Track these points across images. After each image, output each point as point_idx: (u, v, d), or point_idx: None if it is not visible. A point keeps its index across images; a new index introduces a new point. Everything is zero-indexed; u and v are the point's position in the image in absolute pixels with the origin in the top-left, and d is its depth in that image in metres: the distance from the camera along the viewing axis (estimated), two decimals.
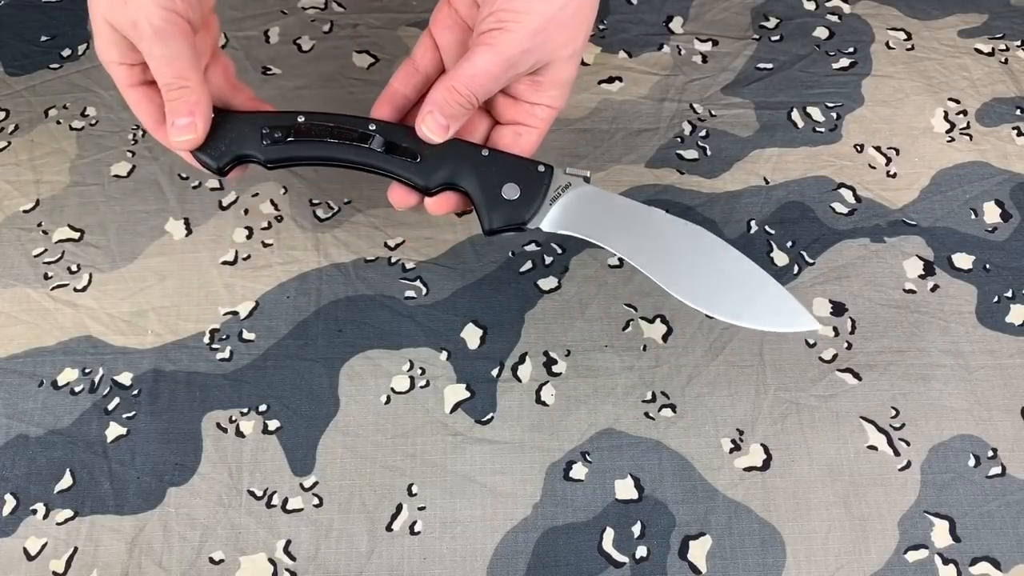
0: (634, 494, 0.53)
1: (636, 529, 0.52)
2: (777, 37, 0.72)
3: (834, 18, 0.73)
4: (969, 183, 0.64)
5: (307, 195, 0.64)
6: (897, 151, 0.66)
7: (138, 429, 0.55)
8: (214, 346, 0.58)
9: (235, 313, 0.59)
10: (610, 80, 0.70)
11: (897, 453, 0.54)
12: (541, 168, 0.50)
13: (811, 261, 0.61)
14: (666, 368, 0.57)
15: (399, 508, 0.53)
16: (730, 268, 0.49)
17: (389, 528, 0.52)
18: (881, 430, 0.55)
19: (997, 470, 0.54)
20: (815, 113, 0.68)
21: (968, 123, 0.67)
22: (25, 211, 0.63)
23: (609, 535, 0.52)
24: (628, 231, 0.50)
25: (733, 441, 0.55)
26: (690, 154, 0.66)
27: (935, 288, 0.60)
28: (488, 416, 0.56)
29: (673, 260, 0.49)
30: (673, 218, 0.50)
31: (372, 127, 0.51)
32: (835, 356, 0.57)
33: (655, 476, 0.54)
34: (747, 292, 0.49)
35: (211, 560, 0.51)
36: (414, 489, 0.53)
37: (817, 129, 0.67)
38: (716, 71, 0.70)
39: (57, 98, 0.69)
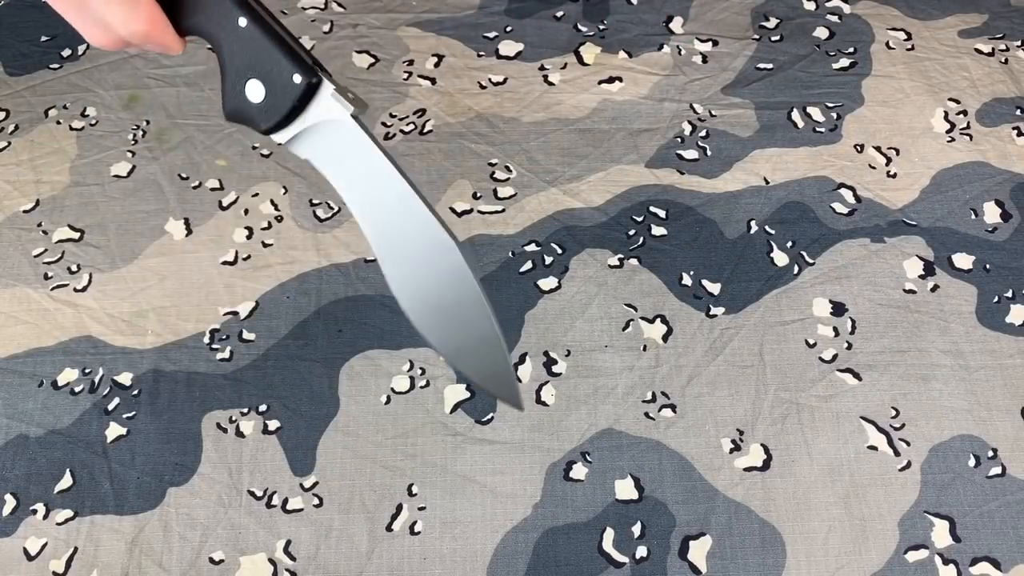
0: (634, 494, 0.53)
1: (636, 529, 0.52)
2: (777, 37, 0.72)
3: (834, 18, 0.73)
4: (969, 183, 0.64)
5: (307, 195, 0.64)
6: (897, 151, 0.66)
7: (138, 429, 0.55)
8: (214, 346, 0.58)
9: (235, 313, 0.59)
10: (610, 80, 0.70)
11: (897, 453, 0.54)
12: (298, 79, 0.39)
13: (811, 261, 0.61)
14: (666, 368, 0.57)
15: (399, 508, 0.53)
16: (465, 311, 0.43)
17: (389, 528, 0.52)
18: (881, 430, 0.55)
19: (997, 470, 0.54)
20: (815, 113, 0.68)
21: (968, 123, 0.67)
22: (25, 211, 0.63)
23: (609, 535, 0.52)
24: (375, 206, 0.42)
25: (733, 441, 0.55)
26: (690, 154, 0.66)
27: (935, 288, 0.60)
28: (488, 416, 0.56)
29: (407, 264, 0.42)
30: (430, 224, 0.42)
31: None
32: (835, 356, 0.57)
33: (655, 476, 0.53)
34: (471, 342, 0.43)
35: (211, 560, 0.51)
36: (414, 489, 0.53)
37: (817, 129, 0.67)
38: (716, 71, 0.70)
39: (57, 98, 0.69)
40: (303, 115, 0.40)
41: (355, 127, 0.41)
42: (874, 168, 0.65)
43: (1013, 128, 0.67)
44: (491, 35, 0.72)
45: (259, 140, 0.66)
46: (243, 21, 0.39)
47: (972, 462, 0.54)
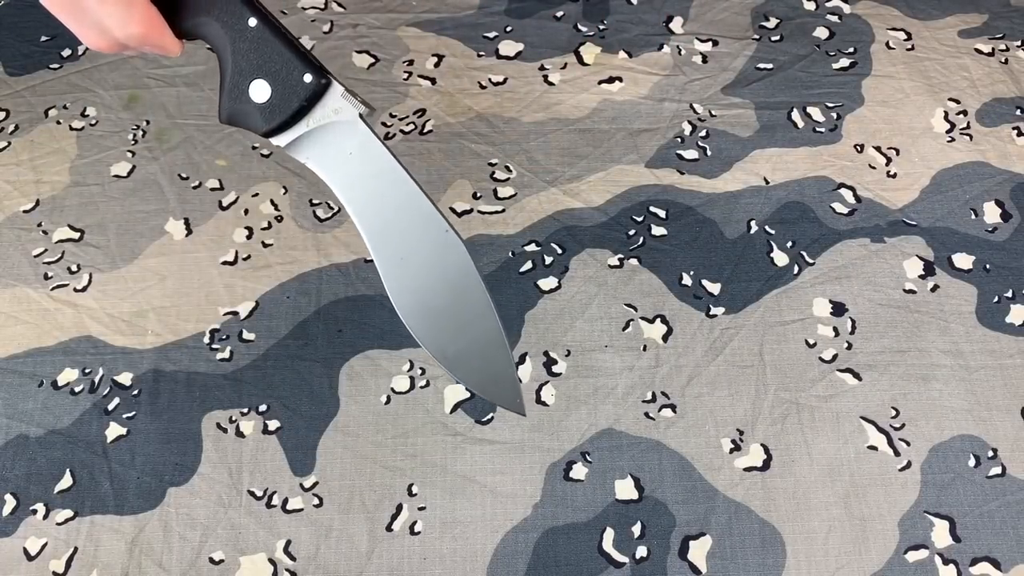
0: (634, 494, 0.53)
1: (636, 529, 0.52)
2: (777, 37, 0.72)
3: (834, 18, 0.73)
4: (969, 183, 0.64)
5: (307, 195, 0.64)
6: (897, 151, 0.66)
7: (138, 429, 0.55)
8: (214, 346, 0.58)
9: (235, 313, 0.59)
10: (610, 80, 0.70)
11: (897, 453, 0.54)
12: (308, 78, 0.39)
13: (811, 261, 0.61)
14: (666, 368, 0.57)
15: (399, 508, 0.53)
16: (470, 313, 0.43)
17: (389, 528, 0.52)
18: (881, 430, 0.55)
19: (997, 470, 0.54)
20: (815, 113, 0.68)
21: (968, 123, 0.67)
22: (25, 211, 0.63)
23: (609, 535, 0.52)
24: (379, 207, 0.42)
25: (733, 441, 0.55)
26: (690, 154, 0.66)
27: (935, 288, 0.60)
28: (488, 416, 0.56)
29: (410, 266, 0.43)
30: (439, 224, 0.42)
31: None
32: (835, 356, 0.57)
33: (655, 476, 0.53)
34: (474, 346, 0.43)
35: (211, 560, 0.51)
36: (414, 489, 0.53)
37: (817, 129, 0.67)
38: (716, 71, 0.70)
39: (57, 98, 0.69)
40: (307, 117, 0.41)
41: (364, 127, 0.41)
42: (874, 168, 0.65)
43: (1013, 128, 0.67)
44: (491, 35, 0.72)
45: (260, 140, 0.66)
46: (253, 21, 0.39)
47: (972, 462, 0.54)
